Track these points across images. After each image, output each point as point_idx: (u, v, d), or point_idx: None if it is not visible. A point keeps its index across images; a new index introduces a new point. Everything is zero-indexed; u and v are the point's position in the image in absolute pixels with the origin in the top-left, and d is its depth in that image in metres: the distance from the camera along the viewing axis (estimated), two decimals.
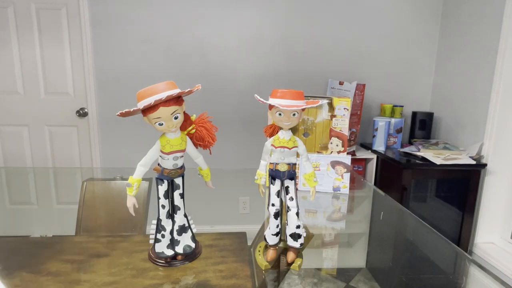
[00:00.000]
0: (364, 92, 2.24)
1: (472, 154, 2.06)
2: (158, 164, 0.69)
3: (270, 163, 0.75)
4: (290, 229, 0.75)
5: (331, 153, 1.26)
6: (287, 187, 0.75)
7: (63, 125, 2.47)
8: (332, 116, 1.25)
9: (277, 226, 0.76)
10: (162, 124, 0.63)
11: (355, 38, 2.48)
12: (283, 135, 0.72)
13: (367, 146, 2.43)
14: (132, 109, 0.60)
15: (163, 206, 0.71)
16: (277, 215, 0.75)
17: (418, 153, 2.11)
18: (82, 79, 2.40)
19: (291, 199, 0.74)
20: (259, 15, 2.40)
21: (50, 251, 0.77)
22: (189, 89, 0.64)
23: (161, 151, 0.67)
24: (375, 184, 2.31)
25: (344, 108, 1.24)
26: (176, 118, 0.63)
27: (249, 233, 0.87)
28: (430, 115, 2.43)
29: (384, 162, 2.24)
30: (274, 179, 0.75)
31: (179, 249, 0.72)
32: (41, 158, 2.50)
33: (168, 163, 0.68)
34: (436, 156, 2.03)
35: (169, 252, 0.71)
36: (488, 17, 2.06)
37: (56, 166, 2.51)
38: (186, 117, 0.68)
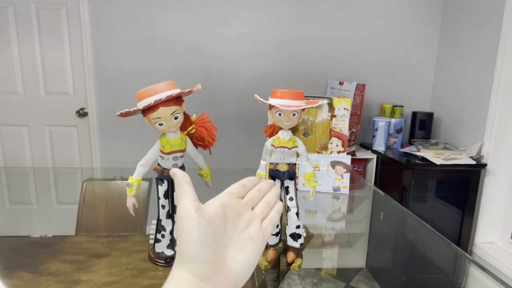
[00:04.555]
0: (364, 92, 2.24)
1: (472, 154, 2.06)
2: (158, 164, 0.69)
3: (270, 163, 0.75)
4: (290, 229, 0.75)
5: (331, 153, 1.26)
6: (287, 187, 0.75)
7: (63, 125, 2.46)
8: (332, 116, 1.25)
9: (277, 226, 0.76)
10: (162, 124, 0.63)
11: (355, 38, 2.48)
12: (283, 135, 0.72)
13: (367, 146, 2.43)
14: (132, 109, 0.60)
15: (163, 206, 0.71)
16: None
17: (418, 153, 2.10)
18: (82, 79, 2.40)
19: (291, 199, 0.74)
20: (259, 15, 2.40)
21: (50, 251, 0.77)
22: (189, 89, 0.64)
23: (161, 151, 0.67)
24: (375, 184, 2.31)
25: (344, 108, 1.24)
26: (176, 118, 0.63)
27: None
28: (430, 115, 2.43)
29: (384, 162, 2.24)
30: (274, 179, 0.75)
31: None
32: (41, 158, 2.50)
33: (168, 163, 0.68)
34: (436, 156, 2.03)
35: (169, 252, 0.71)
36: (488, 17, 2.06)
37: (56, 166, 2.51)
38: (186, 117, 0.68)
